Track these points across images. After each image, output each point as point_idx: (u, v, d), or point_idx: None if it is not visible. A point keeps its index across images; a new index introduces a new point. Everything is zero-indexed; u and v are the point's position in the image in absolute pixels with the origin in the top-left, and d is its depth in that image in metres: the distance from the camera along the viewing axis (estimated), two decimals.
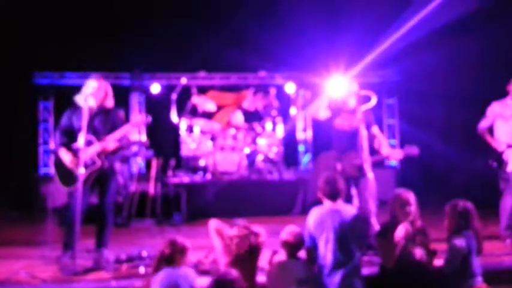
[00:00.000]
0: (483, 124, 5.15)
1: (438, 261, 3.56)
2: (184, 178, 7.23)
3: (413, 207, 3.66)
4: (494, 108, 5.12)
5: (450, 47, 7.61)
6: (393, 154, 4.51)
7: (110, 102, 4.50)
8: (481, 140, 5.19)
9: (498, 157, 4.98)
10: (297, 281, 3.33)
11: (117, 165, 4.85)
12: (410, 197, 3.70)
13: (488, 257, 4.01)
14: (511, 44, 7.18)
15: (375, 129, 4.63)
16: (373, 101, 4.44)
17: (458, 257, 3.42)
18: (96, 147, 4.30)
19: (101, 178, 4.40)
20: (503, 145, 4.98)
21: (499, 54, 7.33)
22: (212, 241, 3.66)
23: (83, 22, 7.80)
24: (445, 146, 7.84)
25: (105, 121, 4.41)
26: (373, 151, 4.62)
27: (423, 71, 8.21)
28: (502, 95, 5.13)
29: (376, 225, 4.30)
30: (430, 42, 7.62)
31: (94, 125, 4.37)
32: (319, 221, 3.54)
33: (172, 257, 3.24)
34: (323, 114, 4.63)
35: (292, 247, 3.49)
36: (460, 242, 3.44)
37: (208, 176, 7.20)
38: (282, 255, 3.55)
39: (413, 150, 4.43)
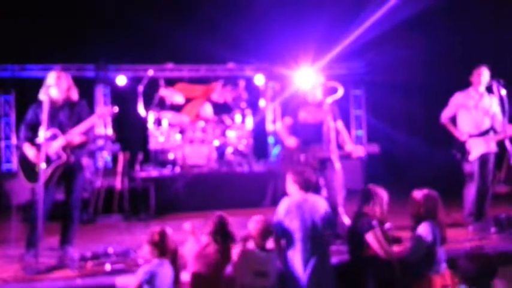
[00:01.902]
0: (446, 114, 5.28)
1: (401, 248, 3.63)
2: (153, 172, 7.13)
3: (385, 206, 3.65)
4: (457, 99, 5.25)
5: (414, 39, 7.77)
6: (355, 150, 4.55)
7: (74, 95, 4.37)
8: (443, 130, 5.33)
9: (460, 147, 5.13)
10: (255, 272, 3.36)
11: (84, 160, 4.73)
12: (384, 194, 3.68)
13: (451, 244, 4.12)
14: (472, 36, 7.39)
15: (339, 124, 4.63)
16: (340, 92, 4.46)
17: (423, 246, 3.47)
18: (61, 141, 4.19)
19: (67, 173, 4.29)
20: (465, 135, 5.13)
21: (460, 47, 7.53)
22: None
23: (45, 11, 7.54)
24: (408, 136, 8.02)
25: (70, 114, 4.29)
26: (338, 146, 4.62)
27: (388, 63, 8.36)
28: (464, 85, 5.28)
29: (343, 215, 4.37)
30: (394, 34, 7.75)
31: (59, 119, 4.25)
32: (289, 211, 3.58)
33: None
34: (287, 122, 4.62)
35: (257, 237, 3.49)
36: (424, 231, 3.49)
37: (178, 170, 7.13)
38: (249, 245, 3.56)
39: (375, 148, 4.51)
